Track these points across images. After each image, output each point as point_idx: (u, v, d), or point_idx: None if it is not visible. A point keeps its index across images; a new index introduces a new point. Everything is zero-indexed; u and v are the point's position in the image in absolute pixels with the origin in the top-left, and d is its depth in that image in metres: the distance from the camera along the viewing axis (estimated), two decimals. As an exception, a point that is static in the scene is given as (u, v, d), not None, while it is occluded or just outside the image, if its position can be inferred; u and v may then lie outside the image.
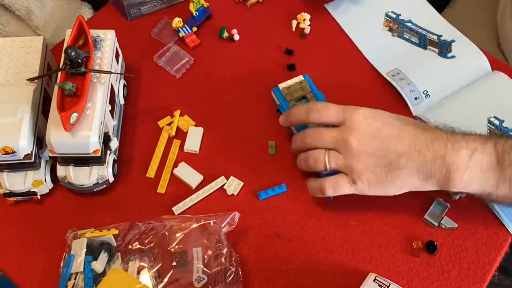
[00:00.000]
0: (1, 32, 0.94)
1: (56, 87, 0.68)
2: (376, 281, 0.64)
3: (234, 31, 0.89)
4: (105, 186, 0.73)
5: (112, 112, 0.74)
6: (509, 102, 0.81)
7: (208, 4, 0.89)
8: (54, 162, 0.74)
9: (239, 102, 0.83)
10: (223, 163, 0.77)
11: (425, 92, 0.81)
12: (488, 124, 0.79)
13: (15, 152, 0.67)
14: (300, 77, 0.79)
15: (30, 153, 0.68)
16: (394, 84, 0.82)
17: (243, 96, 0.83)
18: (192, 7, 0.87)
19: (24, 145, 0.67)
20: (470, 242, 0.72)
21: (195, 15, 0.88)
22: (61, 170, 0.71)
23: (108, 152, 0.72)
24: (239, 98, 0.83)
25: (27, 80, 0.71)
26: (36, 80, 0.71)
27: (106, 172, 0.72)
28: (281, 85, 0.79)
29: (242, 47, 0.88)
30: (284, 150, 0.78)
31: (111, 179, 0.73)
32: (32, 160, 0.69)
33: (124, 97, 0.81)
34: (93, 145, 0.67)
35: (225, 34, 0.88)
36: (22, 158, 0.68)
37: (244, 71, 0.86)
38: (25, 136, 0.67)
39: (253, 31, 0.90)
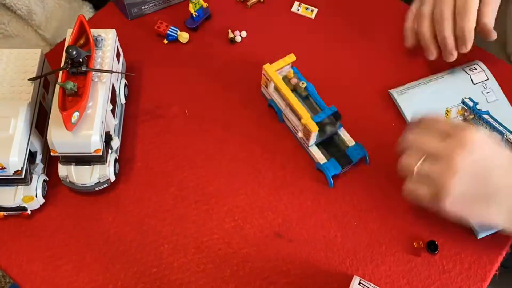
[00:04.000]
0: (2, 32, 0.94)
1: (57, 87, 0.68)
2: (361, 284, 0.64)
3: (237, 33, 0.89)
4: (106, 185, 0.73)
5: (113, 111, 0.74)
6: (483, 89, 0.82)
7: (207, 5, 0.89)
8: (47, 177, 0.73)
9: (239, 101, 0.83)
10: (223, 161, 0.77)
11: None
12: (462, 105, 0.80)
13: (4, 168, 0.65)
14: (292, 56, 0.78)
15: (20, 169, 0.67)
16: None
17: (243, 95, 0.83)
18: (192, 8, 0.87)
19: (14, 161, 0.65)
20: (471, 241, 0.72)
21: (194, 15, 0.88)
22: (62, 170, 0.71)
23: (110, 151, 0.73)
24: (239, 97, 0.83)
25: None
26: (31, 94, 0.71)
27: (107, 171, 0.72)
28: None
29: (242, 46, 0.88)
30: (283, 149, 0.79)
31: (113, 178, 0.73)
32: (23, 176, 0.68)
33: (125, 97, 0.81)
34: (95, 144, 0.67)
35: (230, 35, 0.89)
36: (12, 174, 0.67)
37: (244, 70, 0.86)
38: (15, 152, 0.65)
39: (254, 31, 0.90)
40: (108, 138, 0.72)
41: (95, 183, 0.72)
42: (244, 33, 0.89)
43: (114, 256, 0.71)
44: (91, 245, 0.72)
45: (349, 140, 0.77)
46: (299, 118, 0.74)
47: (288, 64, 0.79)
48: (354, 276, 0.66)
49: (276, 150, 0.79)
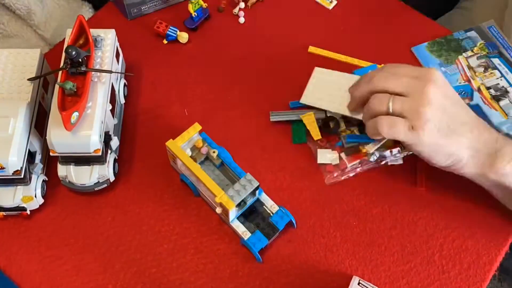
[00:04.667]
0: (1, 32, 0.93)
1: (57, 87, 0.68)
2: (360, 285, 0.64)
3: (241, 13, 0.90)
4: (106, 185, 0.73)
5: (112, 111, 0.74)
6: None
7: (207, 5, 0.89)
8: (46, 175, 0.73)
9: (238, 101, 0.83)
10: (223, 162, 0.78)
11: None
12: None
13: (4, 168, 0.66)
14: (196, 126, 0.72)
15: (19, 169, 0.67)
16: None
17: (242, 96, 0.83)
18: (191, 8, 0.87)
19: (13, 161, 0.65)
20: (470, 241, 0.72)
21: (194, 15, 0.88)
22: (62, 170, 0.71)
23: (109, 151, 0.72)
24: (238, 97, 0.83)
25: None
26: (30, 94, 0.71)
27: (107, 171, 0.72)
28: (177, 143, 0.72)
29: (242, 47, 0.88)
30: (282, 149, 0.79)
31: (112, 179, 0.73)
32: (22, 176, 0.68)
33: (125, 97, 0.81)
34: (94, 144, 0.67)
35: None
36: (11, 174, 0.67)
37: (243, 71, 0.86)
38: (15, 152, 0.65)
39: (254, 31, 0.90)
40: (107, 138, 0.72)
41: (95, 183, 0.72)
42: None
43: (113, 256, 0.71)
44: (91, 245, 0.72)
45: (272, 206, 0.71)
46: (214, 195, 0.68)
47: (195, 134, 0.73)
48: (354, 276, 0.66)
49: (276, 150, 0.79)
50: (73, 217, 0.74)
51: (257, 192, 0.70)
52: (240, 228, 0.70)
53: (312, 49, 0.86)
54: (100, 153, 0.69)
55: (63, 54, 0.69)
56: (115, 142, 0.73)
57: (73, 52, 0.66)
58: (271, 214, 0.71)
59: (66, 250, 0.71)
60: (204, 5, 0.89)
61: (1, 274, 0.70)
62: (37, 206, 0.73)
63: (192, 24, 0.89)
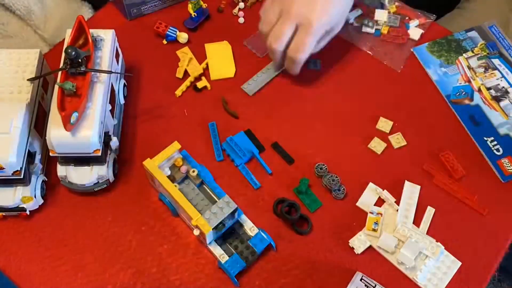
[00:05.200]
0: (1, 32, 0.94)
1: (56, 87, 0.68)
2: (362, 280, 0.64)
3: (241, 14, 0.90)
4: (105, 185, 0.73)
5: (112, 111, 0.74)
6: None
7: (206, 5, 0.89)
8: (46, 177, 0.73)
9: (238, 101, 0.83)
10: (223, 163, 0.77)
11: None
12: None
13: (3, 168, 0.65)
14: (175, 144, 0.70)
15: (19, 169, 0.67)
16: None
17: (239, 97, 0.83)
18: (191, 8, 0.87)
19: (13, 161, 0.65)
20: (470, 242, 0.72)
21: (193, 16, 0.88)
22: (61, 170, 0.71)
23: (109, 151, 0.72)
24: (238, 97, 0.83)
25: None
26: (30, 95, 0.71)
27: (106, 171, 0.71)
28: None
29: (241, 47, 0.88)
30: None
31: (112, 179, 0.73)
32: (22, 177, 0.68)
33: (124, 97, 0.81)
34: (94, 144, 0.67)
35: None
36: (10, 175, 0.67)
37: (243, 71, 0.86)
38: (14, 152, 0.65)
39: (254, 31, 0.90)
40: (107, 139, 0.71)
41: (94, 184, 0.72)
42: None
43: (113, 257, 0.71)
44: (90, 245, 0.72)
45: (251, 229, 0.70)
46: (190, 217, 0.66)
47: (174, 152, 0.71)
48: (357, 272, 0.66)
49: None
50: (72, 217, 0.74)
51: (236, 214, 0.68)
52: (218, 251, 0.68)
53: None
54: (99, 154, 0.69)
55: (63, 54, 0.69)
56: (114, 143, 0.73)
57: (73, 53, 0.66)
58: (250, 238, 0.70)
59: (66, 250, 0.71)
60: (204, 5, 0.89)
61: (0, 274, 0.70)
62: (37, 207, 0.72)
63: (192, 24, 0.89)
